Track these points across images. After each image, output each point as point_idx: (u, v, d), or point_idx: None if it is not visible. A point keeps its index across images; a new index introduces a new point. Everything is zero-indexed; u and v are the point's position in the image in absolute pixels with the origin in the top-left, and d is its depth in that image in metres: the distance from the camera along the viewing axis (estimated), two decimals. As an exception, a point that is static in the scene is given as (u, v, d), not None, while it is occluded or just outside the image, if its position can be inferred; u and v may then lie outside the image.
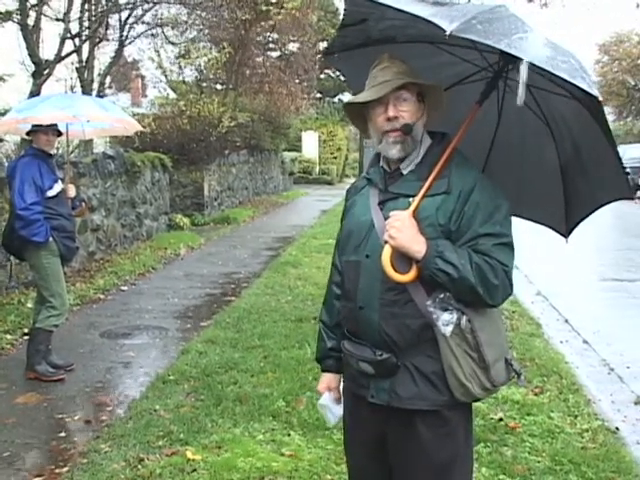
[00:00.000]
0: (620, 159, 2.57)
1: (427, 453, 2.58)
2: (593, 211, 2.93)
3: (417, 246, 2.44)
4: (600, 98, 2.15)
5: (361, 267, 2.60)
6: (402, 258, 2.46)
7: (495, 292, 2.47)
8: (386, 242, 2.47)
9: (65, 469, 4.65)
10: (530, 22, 2.42)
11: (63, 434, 5.28)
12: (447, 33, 2.07)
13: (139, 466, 4.62)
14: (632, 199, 3.09)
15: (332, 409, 2.94)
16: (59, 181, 6.53)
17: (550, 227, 3.14)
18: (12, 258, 8.21)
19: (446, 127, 2.68)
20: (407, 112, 2.58)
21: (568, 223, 3.04)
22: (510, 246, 2.54)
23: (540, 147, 2.93)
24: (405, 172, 2.64)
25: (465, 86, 2.88)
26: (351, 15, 2.71)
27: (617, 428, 5.39)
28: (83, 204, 7.36)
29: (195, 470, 4.55)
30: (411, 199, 2.53)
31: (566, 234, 3.10)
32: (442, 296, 2.46)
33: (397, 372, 2.56)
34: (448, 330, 2.45)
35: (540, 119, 2.86)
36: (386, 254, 2.46)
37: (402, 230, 2.44)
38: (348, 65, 3.12)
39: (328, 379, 2.95)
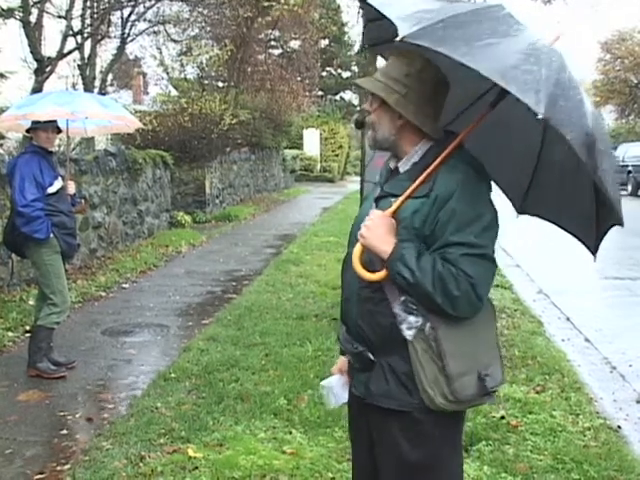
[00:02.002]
0: (601, 190, 2.37)
1: (398, 453, 2.58)
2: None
3: (384, 246, 2.44)
4: (540, 116, 2.02)
5: (348, 260, 2.63)
6: (377, 257, 2.48)
7: (457, 303, 2.38)
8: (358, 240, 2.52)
9: (67, 466, 4.64)
10: (528, 21, 2.39)
11: (65, 431, 5.27)
12: (398, 39, 2.07)
13: (140, 464, 4.61)
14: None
15: (336, 392, 2.92)
16: (59, 178, 6.52)
17: (583, 242, 2.85)
18: (13, 255, 8.21)
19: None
20: (375, 112, 2.61)
21: (596, 240, 2.77)
22: (484, 258, 2.43)
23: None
24: (402, 171, 2.64)
25: None
26: (368, 12, 2.72)
27: (619, 426, 5.39)
28: (83, 201, 7.34)
29: (196, 468, 4.55)
30: (393, 199, 2.53)
31: (594, 252, 2.84)
32: (406, 299, 2.45)
33: (373, 368, 2.58)
34: (409, 334, 2.44)
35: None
36: (356, 251, 2.51)
37: (371, 229, 2.47)
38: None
39: (341, 362, 2.93)
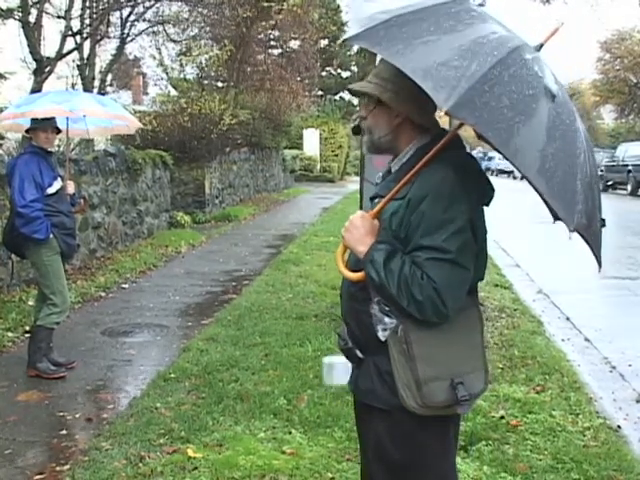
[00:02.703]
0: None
1: (382, 452, 2.60)
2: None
3: (361, 247, 2.47)
4: (443, 111, 1.98)
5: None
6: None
7: (421, 308, 2.35)
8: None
9: (66, 467, 4.64)
10: (494, 13, 2.35)
11: (64, 432, 5.27)
12: (339, 41, 2.07)
13: (140, 464, 4.61)
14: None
15: (336, 373, 2.92)
16: (58, 178, 6.52)
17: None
18: (13, 256, 8.21)
19: None
20: (370, 114, 2.61)
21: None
22: (452, 262, 2.35)
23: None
24: (393, 171, 2.66)
25: None
26: None
27: (619, 426, 5.38)
28: (82, 201, 7.33)
29: (196, 468, 4.55)
30: (377, 200, 2.58)
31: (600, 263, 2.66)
32: (379, 300, 2.46)
33: (362, 365, 2.62)
34: (383, 335, 2.45)
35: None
36: (339, 250, 2.59)
37: (350, 230, 2.52)
38: None
39: None
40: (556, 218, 2.29)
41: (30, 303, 8.40)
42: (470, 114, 2.05)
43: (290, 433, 5.10)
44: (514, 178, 47.09)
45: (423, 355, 2.41)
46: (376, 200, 2.59)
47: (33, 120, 6.45)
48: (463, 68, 2.06)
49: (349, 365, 2.78)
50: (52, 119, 6.52)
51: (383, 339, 2.44)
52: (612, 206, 24.79)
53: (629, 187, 30.86)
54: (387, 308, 2.43)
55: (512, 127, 2.09)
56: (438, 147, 2.43)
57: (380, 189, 2.64)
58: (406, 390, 2.43)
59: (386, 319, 2.44)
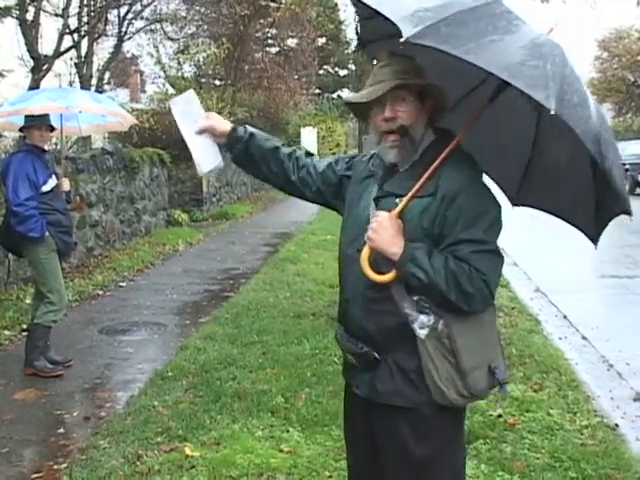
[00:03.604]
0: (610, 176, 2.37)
1: (405, 451, 2.58)
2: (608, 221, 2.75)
3: (393, 248, 2.43)
4: (553, 112, 2.04)
5: (352, 261, 2.57)
6: (383, 258, 2.47)
7: (471, 299, 2.42)
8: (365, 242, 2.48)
9: (64, 465, 4.64)
10: (527, 17, 2.38)
11: (62, 430, 5.27)
12: (402, 40, 2.06)
13: (138, 462, 4.60)
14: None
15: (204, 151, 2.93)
16: (53, 176, 6.50)
17: (582, 231, 2.88)
18: (10, 254, 8.19)
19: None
20: (405, 112, 2.53)
21: (598, 228, 2.80)
22: (492, 253, 2.48)
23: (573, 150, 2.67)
24: (402, 169, 2.62)
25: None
26: (360, 10, 2.71)
27: (616, 425, 5.38)
28: (78, 198, 7.32)
29: (194, 466, 4.54)
30: (398, 199, 2.51)
31: (595, 241, 2.85)
32: (418, 298, 2.46)
33: (378, 366, 2.58)
34: (423, 333, 2.45)
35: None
36: (365, 253, 2.48)
37: (378, 232, 2.44)
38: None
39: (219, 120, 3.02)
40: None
41: (27, 301, 8.40)
42: (564, 110, 2.12)
43: (288, 431, 5.10)
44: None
45: (465, 346, 2.46)
46: (396, 199, 2.51)
47: (27, 118, 6.43)
48: (540, 68, 2.17)
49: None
50: (46, 117, 6.51)
51: (423, 337, 2.44)
52: (609, 205, 24.78)
53: (627, 185, 30.89)
54: (426, 305, 2.44)
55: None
56: (457, 141, 2.48)
57: (393, 188, 2.57)
58: (447, 385, 2.46)
59: (422, 317, 2.44)
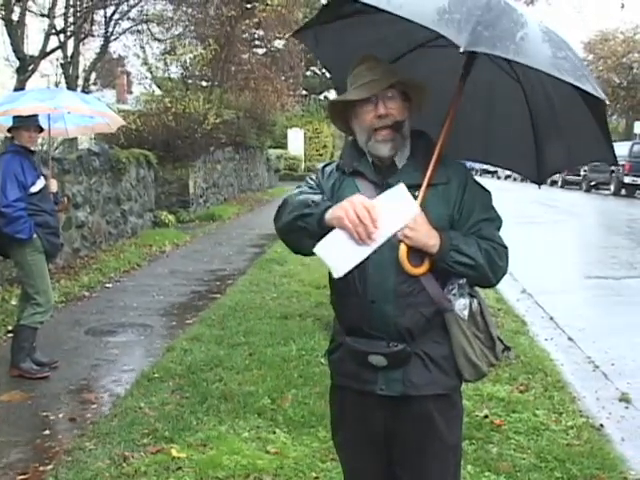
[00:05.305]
0: (605, 129, 2.65)
1: (440, 437, 2.66)
2: (569, 167, 3.02)
3: (432, 241, 2.49)
4: (607, 101, 2.21)
5: (370, 263, 2.51)
6: (415, 252, 2.50)
7: (500, 273, 2.62)
8: (400, 241, 2.46)
9: (49, 467, 4.62)
10: (518, 6, 2.40)
11: (47, 432, 5.25)
12: (461, 50, 2.08)
13: (124, 464, 4.59)
14: (615, 164, 3.21)
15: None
16: (42, 177, 6.48)
17: (521, 174, 3.41)
18: (-4, 255, 8.16)
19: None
20: (395, 109, 2.59)
21: (540, 174, 3.18)
22: (500, 226, 2.69)
23: (508, 99, 3.02)
24: (400, 165, 2.65)
25: (430, 50, 2.91)
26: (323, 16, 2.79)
27: (602, 425, 5.41)
28: (65, 199, 7.29)
29: (180, 468, 4.54)
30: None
31: (538, 182, 3.28)
32: (456, 284, 2.57)
33: (409, 361, 2.60)
34: (465, 314, 2.56)
35: (511, 76, 2.92)
36: (403, 253, 2.48)
37: (416, 229, 2.46)
38: (322, 44, 2.99)
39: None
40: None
41: (13, 303, 8.36)
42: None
43: (274, 433, 5.10)
44: (498, 178, 47.26)
45: (490, 320, 2.66)
46: (417, 192, 2.50)
47: (16, 119, 6.40)
48: (569, 58, 2.32)
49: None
50: (35, 118, 6.49)
51: (466, 318, 2.58)
52: (595, 206, 24.93)
53: (612, 187, 31.04)
54: (466, 289, 2.58)
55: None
56: (446, 130, 2.57)
57: (406, 179, 2.53)
58: (481, 358, 2.64)
59: (461, 300, 2.56)
